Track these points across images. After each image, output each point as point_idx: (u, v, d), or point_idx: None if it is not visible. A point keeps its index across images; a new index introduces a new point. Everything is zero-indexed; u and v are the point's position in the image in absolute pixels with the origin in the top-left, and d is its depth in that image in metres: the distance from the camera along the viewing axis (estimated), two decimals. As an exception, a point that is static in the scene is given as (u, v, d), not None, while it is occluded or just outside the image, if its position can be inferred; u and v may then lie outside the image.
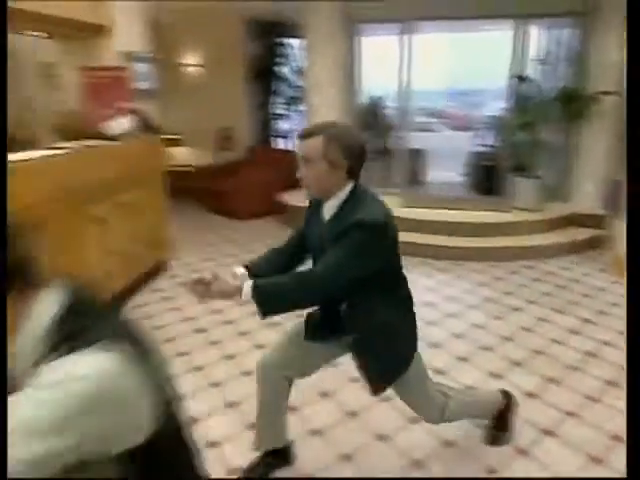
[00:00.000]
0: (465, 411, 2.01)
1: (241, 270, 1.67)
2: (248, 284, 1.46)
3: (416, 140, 6.25)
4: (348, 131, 1.57)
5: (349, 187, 1.57)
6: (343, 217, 1.54)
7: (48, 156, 2.94)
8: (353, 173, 1.57)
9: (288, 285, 1.51)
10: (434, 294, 3.84)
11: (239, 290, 1.46)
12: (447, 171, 6.89)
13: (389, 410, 2.40)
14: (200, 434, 2.24)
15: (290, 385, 1.90)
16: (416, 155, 6.23)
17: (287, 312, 1.55)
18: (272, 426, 1.96)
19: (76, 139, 3.53)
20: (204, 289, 1.51)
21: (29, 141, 4.42)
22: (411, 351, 1.74)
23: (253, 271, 1.68)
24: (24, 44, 4.72)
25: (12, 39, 4.79)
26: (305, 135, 1.54)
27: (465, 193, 5.96)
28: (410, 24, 5.24)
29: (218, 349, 3.02)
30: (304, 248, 1.78)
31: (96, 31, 3.91)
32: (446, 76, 10.14)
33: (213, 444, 2.20)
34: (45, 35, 4.03)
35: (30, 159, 2.79)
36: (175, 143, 6.56)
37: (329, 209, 1.61)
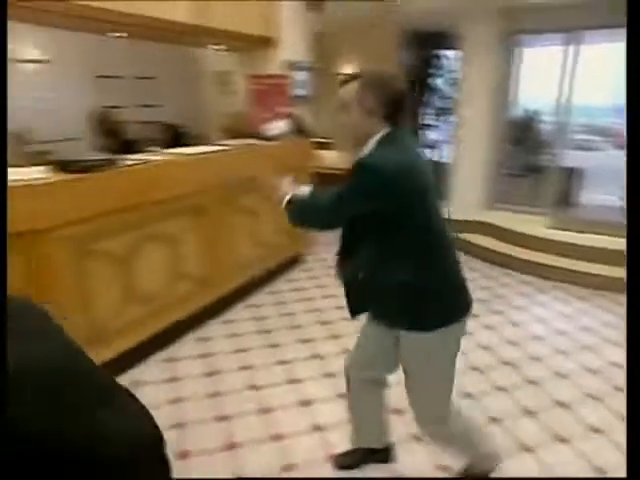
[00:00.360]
0: (464, 442, 1.80)
1: (307, 189, 1.77)
2: (289, 195, 1.66)
3: (573, 159, 5.76)
4: (385, 77, 1.54)
5: (381, 133, 1.53)
6: None
7: (213, 151, 3.39)
8: (389, 120, 1.52)
9: (307, 205, 1.65)
10: (568, 322, 3.55)
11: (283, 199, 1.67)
12: (605, 194, 6.23)
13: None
14: (308, 417, 2.42)
15: (380, 386, 1.88)
16: (570, 174, 5.74)
17: (305, 227, 1.91)
18: (365, 426, 1.97)
19: (238, 138, 3.99)
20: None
21: (201, 137, 5.09)
22: (443, 318, 1.57)
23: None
24: (205, 56, 5.44)
25: (196, 52, 5.56)
26: (343, 81, 1.57)
27: (622, 218, 5.34)
28: (576, 34, 4.88)
29: (339, 342, 3.18)
30: None
31: (265, 43, 4.35)
32: (613, 91, 9.09)
33: (320, 428, 2.36)
34: (223, 48, 4.59)
35: (199, 153, 3.25)
36: (325, 146, 6.92)
37: (359, 155, 1.59)
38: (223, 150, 3.49)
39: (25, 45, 5.04)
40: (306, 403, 2.54)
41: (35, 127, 4.74)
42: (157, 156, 3.03)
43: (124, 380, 2.60)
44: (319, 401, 2.56)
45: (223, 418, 2.42)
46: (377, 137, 1.53)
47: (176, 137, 5.58)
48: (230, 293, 3.58)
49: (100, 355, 2.55)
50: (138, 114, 6.23)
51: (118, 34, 3.60)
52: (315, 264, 4.69)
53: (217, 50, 4.67)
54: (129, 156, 2.91)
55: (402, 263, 1.54)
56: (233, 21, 3.76)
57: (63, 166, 2.45)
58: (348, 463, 2.07)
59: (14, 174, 2.24)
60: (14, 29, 4.13)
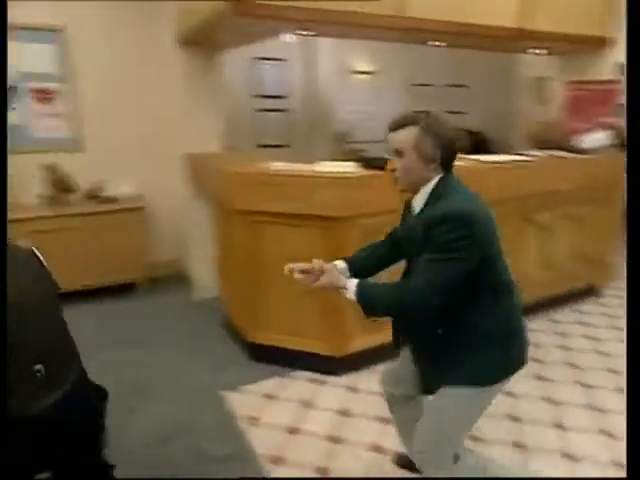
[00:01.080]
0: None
1: (342, 264, 1.67)
2: (353, 282, 1.49)
3: None
4: (440, 121, 1.48)
5: (437, 179, 1.49)
6: (431, 210, 1.46)
7: (513, 160, 3.22)
8: (444, 165, 1.48)
9: (389, 293, 1.47)
10: None
11: (345, 287, 1.49)
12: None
13: None
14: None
15: (406, 403, 1.82)
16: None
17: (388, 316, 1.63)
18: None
19: (545, 148, 3.68)
20: (312, 278, 1.54)
21: (504, 146, 4.88)
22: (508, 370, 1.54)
23: (351, 266, 1.68)
24: (522, 62, 5.18)
25: (512, 58, 5.35)
26: (396, 126, 1.48)
27: None
28: None
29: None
30: (400, 246, 1.69)
31: (596, 44, 3.86)
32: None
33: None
34: (544, 52, 4.28)
35: (497, 161, 3.13)
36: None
37: (418, 202, 1.53)
38: (525, 160, 3.28)
39: (359, 59, 5.80)
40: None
41: (356, 129, 5.43)
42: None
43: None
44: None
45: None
46: (433, 183, 1.49)
47: (478, 144, 5.54)
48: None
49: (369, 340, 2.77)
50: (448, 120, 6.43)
51: (438, 43, 3.75)
52: (613, 300, 3.98)
53: (537, 55, 4.39)
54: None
55: (486, 313, 1.49)
56: (561, 22, 3.46)
57: (365, 163, 2.75)
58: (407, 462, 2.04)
59: (333, 167, 2.64)
60: (349, 44, 4.80)
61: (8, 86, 3.61)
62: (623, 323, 3.51)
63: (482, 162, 3.09)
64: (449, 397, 1.54)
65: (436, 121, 1.48)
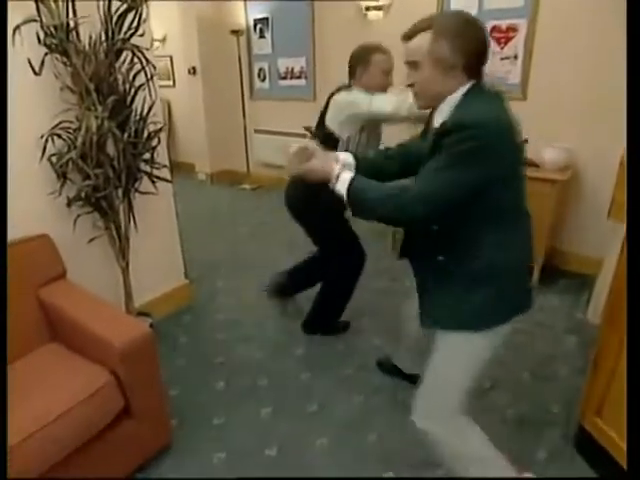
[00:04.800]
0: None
1: (350, 159, 1.45)
2: (347, 175, 1.29)
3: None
4: (460, 20, 1.18)
5: (464, 88, 1.20)
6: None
7: None
8: (469, 72, 1.19)
9: (380, 195, 1.23)
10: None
11: (336, 176, 1.29)
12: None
13: None
14: None
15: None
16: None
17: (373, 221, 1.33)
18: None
19: None
20: (304, 158, 1.36)
21: None
22: (505, 313, 1.31)
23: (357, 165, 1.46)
24: None
25: None
26: (409, 35, 1.24)
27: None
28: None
29: None
30: (409, 163, 1.44)
31: None
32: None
33: None
34: None
35: None
36: None
37: (439, 115, 1.25)
38: None
39: None
40: None
41: None
42: None
43: None
44: None
45: None
46: (460, 92, 1.20)
47: None
48: None
49: None
50: None
51: None
52: None
53: None
54: None
55: (495, 243, 1.23)
56: None
57: None
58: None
59: None
60: None
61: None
62: None
63: None
64: (444, 345, 1.37)
65: (455, 20, 1.18)
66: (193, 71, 5.38)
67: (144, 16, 2.00)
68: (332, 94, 2.22)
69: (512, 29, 3.30)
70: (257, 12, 4.83)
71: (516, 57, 3.33)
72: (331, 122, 2.18)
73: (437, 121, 1.23)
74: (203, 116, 5.58)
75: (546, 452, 1.82)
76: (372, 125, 2.19)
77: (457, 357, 1.35)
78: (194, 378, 2.26)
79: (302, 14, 4.47)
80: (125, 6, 1.93)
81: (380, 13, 3.84)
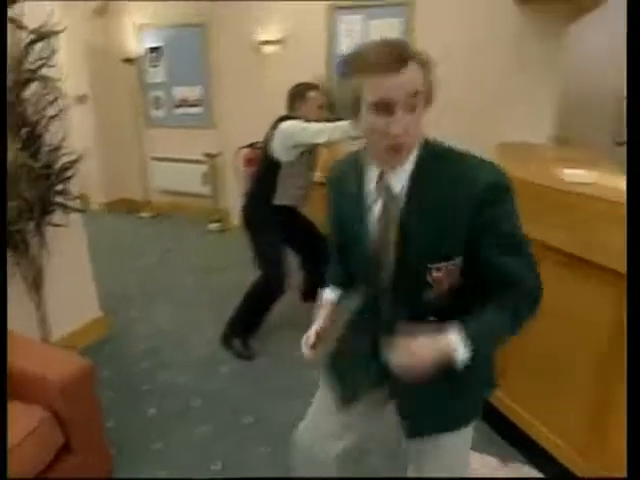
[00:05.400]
0: None
1: (332, 294, 1.35)
2: (454, 336, 0.92)
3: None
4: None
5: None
6: (436, 184, 0.95)
7: None
8: None
9: (500, 320, 0.96)
10: None
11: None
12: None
13: None
14: None
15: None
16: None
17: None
18: None
19: None
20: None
21: None
22: None
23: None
24: None
25: None
26: (398, 62, 0.85)
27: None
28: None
29: None
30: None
31: None
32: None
33: None
34: None
35: None
36: None
37: (398, 177, 0.98)
38: None
39: None
40: None
41: None
42: None
43: None
44: None
45: None
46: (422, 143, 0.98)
47: None
48: None
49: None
50: None
51: None
52: None
53: None
54: None
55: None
56: None
57: None
58: None
59: None
60: None
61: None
62: None
63: None
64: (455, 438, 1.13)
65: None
66: (83, 99, 5.15)
67: (54, 47, 1.99)
68: (275, 124, 2.46)
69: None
70: (150, 41, 4.81)
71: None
72: (277, 148, 2.42)
73: (397, 183, 0.99)
74: (94, 144, 5.34)
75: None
76: (311, 150, 2.49)
77: (460, 454, 1.20)
78: (125, 408, 2.21)
79: (195, 44, 4.56)
80: (33, 36, 1.91)
81: (274, 47, 4.09)
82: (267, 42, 4.07)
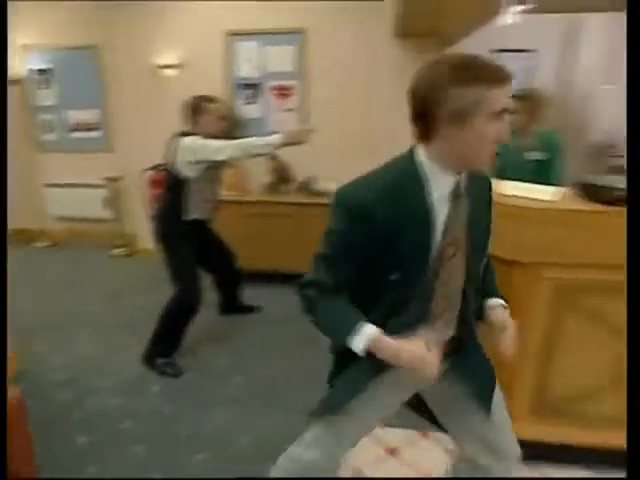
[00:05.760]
0: None
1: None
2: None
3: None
4: None
5: None
6: (473, 184, 1.10)
7: None
8: None
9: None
10: None
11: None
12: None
13: None
14: None
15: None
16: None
17: None
18: None
19: None
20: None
21: None
22: None
23: None
24: None
25: None
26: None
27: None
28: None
29: None
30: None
31: None
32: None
33: None
34: None
35: None
36: None
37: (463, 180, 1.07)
38: None
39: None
40: None
41: (622, 139, 4.00)
42: None
43: None
44: None
45: None
46: None
47: None
48: None
49: (538, 432, 1.93)
50: None
51: None
52: None
53: None
54: None
55: None
56: None
57: (588, 192, 1.82)
58: None
59: (529, 191, 1.84)
60: None
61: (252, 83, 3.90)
62: None
63: None
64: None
65: None
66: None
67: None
68: (173, 139, 2.49)
69: (288, 87, 4.03)
70: (37, 62, 4.58)
71: (294, 109, 4.06)
72: (180, 165, 2.46)
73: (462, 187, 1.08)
74: (-25, 172, 4.92)
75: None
76: (216, 165, 2.55)
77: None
78: (53, 440, 2.14)
79: (88, 66, 4.45)
80: None
81: (173, 71, 4.15)
82: (166, 66, 4.12)
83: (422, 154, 1.06)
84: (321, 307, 1.12)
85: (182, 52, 4.10)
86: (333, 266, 1.10)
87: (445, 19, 2.59)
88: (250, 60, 3.99)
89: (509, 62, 4.02)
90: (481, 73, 0.93)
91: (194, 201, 2.60)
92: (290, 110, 4.07)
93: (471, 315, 1.22)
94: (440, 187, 1.04)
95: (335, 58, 3.88)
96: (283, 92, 4.04)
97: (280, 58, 3.94)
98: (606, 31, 3.92)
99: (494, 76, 0.93)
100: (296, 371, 2.71)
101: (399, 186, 1.04)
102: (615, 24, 3.80)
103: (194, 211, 2.64)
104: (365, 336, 1.06)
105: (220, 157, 2.40)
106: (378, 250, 1.04)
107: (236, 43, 3.98)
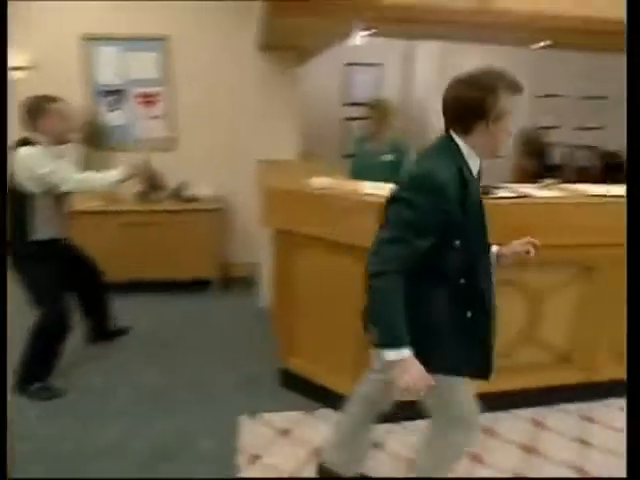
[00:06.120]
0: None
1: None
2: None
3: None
4: None
5: None
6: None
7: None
8: None
9: None
10: None
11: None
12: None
13: None
14: None
15: None
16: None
17: None
18: None
19: None
20: None
21: None
22: None
23: None
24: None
25: None
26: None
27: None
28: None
29: None
30: None
31: None
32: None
33: None
34: None
35: (612, 195, 2.35)
36: None
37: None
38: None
39: (470, 63, 5.05)
40: None
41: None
42: (548, 191, 2.39)
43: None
44: None
45: None
46: None
47: (609, 167, 4.47)
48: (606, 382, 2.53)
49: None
50: (573, 137, 5.39)
51: (543, 44, 2.99)
52: None
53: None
54: (512, 186, 2.41)
55: None
56: None
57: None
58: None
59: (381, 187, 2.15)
60: (459, 46, 4.16)
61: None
62: None
63: (582, 194, 2.35)
64: None
65: None
66: None
67: None
68: (14, 148, 2.25)
69: (154, 94, 3.97)
70: None
71: (161, 117, 4.02)
72: (22, 179, 2.25)
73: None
74: None
75: (265, 396, 2.56)
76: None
77: None
78: None
79: None
80: None
81: (22, 73, 3.82)
82: (17, 68, 3.78)
83: (460, 142, 1.33)
84: (388, 293, 1.26)
85: (34, 54, 3.79)
86: (420, 234, 1.26)
87: (303, 36, 2.85)
88: (110, 66, 3.85)
89: (359, 74, 4.56)
90: (512, 84, 1.26)
91: (43, 219, 2.35)
92: (156, 117, 4.02)
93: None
94: (473, 169, 1.35)
95: (200, 66, 3.93)
96: (148, 99, 3.98)
97: (143, 65, 3.87)
98: (435, 50, 4.61)
99: (517, 87, 1.28)
100: (176, 378, 2.75)
101: (456, 167, 1.29)
102: (441, 47, 4.49)
103: (45, 230, 2.39)
104: (401, 356, 1.26)
105: (62, 188, 2.27)
106: (448, 221, 1.27)
107: (94, 48, 3.81)
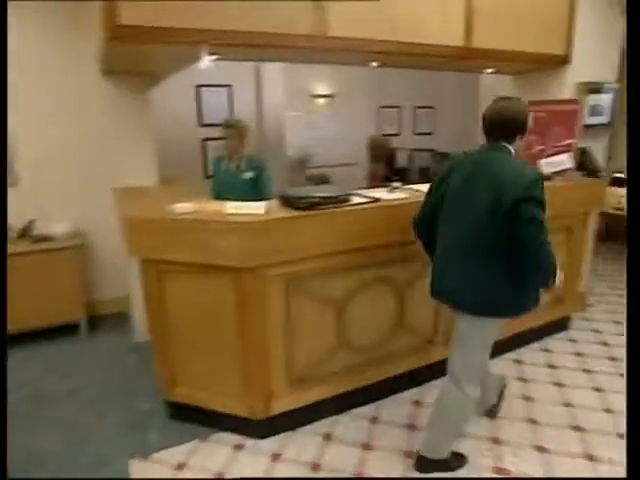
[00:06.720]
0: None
1: None
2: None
3: None
4: None
5: None
6: None
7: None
8: None
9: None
10: None
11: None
12: None
13: None
14: None
15: None
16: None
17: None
18: None
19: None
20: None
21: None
22: None
23: None
24: (484, 82, 4.79)
25: (477, 78, 4.96)
26: None
27: None
28: None
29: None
30: None
31: (554, 63, 3.46)
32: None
33: None
34: (495, 71, 3.87)
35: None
36: (621, 183, 5.34)
37: None
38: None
39: (318, 82, 5.42)
40: None
41: (314, 154, 5.04)
42: (399, 193, 2.68)
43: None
44: None
45: None
46: None
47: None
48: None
49: (296, 400, 2.36)
50: (413, 142, 6.09)
51: (375, 64, 3.34)
52: (582, 333, 3.52)
53: (491, 74, 3.98)
54: (368, 192, 2.64)
55: None
56: (514, 40, 3.07)
57: (288, 202, 2.32)
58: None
59: (243, 208, 2.20)
60: (307, 67, 4.46)
61: None
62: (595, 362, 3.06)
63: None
64: None
65: None
66: None
67: None
68: None
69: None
70: None
71: None
72: None
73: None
74: None
75: (154, 433, 2.43)
76: None
77: None
78: None
79: None
80: None
81: None
82: None
83: (511, 149, 1.86)
84: (551, 251, 1.74)
85: None
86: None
87: (150, 61, 2.79)
88: None
89: (210, 95, 4.57)
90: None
91: None
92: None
93: None
94: None
95: (44, 90, 3.57)
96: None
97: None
98: (281, 70, 4.84)
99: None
100: (53, 434, 2.49)
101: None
102: (286, 68, 4.74)
103: None
104: (559, 278, 1.84)
105: None
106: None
107: None
